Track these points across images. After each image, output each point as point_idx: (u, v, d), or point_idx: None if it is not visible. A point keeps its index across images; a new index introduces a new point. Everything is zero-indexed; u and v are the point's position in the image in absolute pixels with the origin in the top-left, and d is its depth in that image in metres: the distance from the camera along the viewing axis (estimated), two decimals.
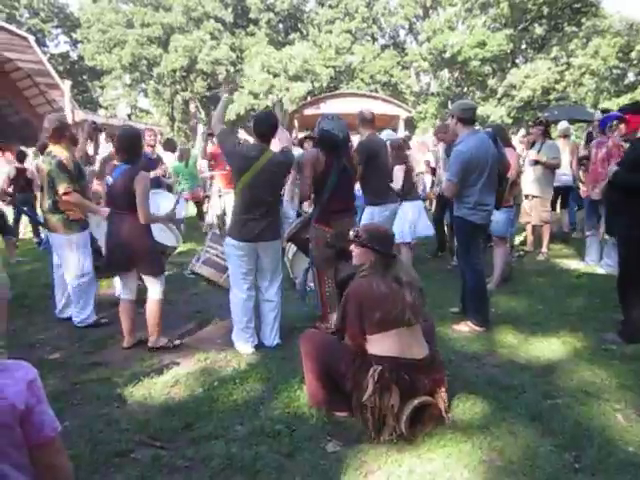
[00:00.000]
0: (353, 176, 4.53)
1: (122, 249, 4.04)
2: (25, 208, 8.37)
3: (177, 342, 4.24)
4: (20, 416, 1.45)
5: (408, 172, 6.17)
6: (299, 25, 39.09)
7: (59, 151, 4.54)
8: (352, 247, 3.09)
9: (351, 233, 3.08)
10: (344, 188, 4.37)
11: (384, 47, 39.55)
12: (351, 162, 4.44)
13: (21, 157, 9.09)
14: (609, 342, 4.12)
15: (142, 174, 4.02)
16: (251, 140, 7.73)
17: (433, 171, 9.92)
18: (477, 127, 4.78)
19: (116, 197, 4.09)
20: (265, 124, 4.06)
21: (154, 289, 4.14)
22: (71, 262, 4.65)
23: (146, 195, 4.00)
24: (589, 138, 7.94)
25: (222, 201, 8.10)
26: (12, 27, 18.95)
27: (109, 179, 4.08)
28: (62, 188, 4.43)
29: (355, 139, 5.41)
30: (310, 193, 4.34)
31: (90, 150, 6.01)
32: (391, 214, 5.23)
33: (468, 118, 4.43)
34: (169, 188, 7.53)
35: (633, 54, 27.06)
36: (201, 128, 9.43)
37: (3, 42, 17.07)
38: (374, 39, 40.41)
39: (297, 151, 8.46)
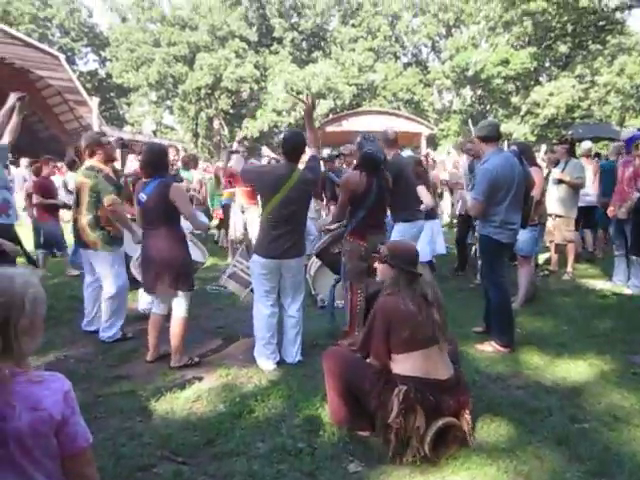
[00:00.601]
0: (388, 195, 4.56)
1: (161, 265, 3.99)
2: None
3: (196, 359, 4.23)
4: (56, 427, 1.50)
5: (427, 190, 6.16)
6: (322, 44, 39.53)
7: (102, 165, 4.59)
8: (375, 264, 3.11)
9: (378, 249, 3.13)
10: (380, 206, 4.45)
11: (406, 65, 39.76)
12: (387, 181, 4.48)
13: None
14: (637, 364, 4.02)
15: (176, 185, 4.07)
16: (272, 156, 7.82)
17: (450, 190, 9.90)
18: (502, 145, 4.75)
19: (151, 213, 4.03)
20: (293, 143, 4.10)
21: (180, 306, 4.11)
22: (110, 279, 4.65)
23: (188, 202, 4.03)
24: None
25: (244, 217, 8.12)
26: (44, 46, 19.58)
27: (142, 196, 4.06)
28: (108, 200, 4.42)
29: None
30: (343, 214, 4.41)
31: (118, 165, 6.13)
32: (418, 231, 5.25)
33: (491, 136, 4.41)
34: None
35: None
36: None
37: (35, 60, 17.62)
38: (396, 57, 40.66)
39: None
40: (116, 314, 4.70)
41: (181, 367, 4.09)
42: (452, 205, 9.40)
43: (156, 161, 4.08)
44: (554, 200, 7.06)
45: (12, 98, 4.30)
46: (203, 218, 6.47)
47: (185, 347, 4.20)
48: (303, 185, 4.03)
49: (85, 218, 4.59)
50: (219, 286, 4.82)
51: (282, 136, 4.28)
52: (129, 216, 4.75)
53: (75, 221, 4.72)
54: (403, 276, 2.91)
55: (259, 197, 4.12)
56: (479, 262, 6.11)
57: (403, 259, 2.97)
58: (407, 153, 7.54)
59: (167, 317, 4.30)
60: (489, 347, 4.42)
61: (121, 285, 4.71)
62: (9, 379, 1.45)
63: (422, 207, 5.50)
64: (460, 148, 7.39)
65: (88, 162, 4.65)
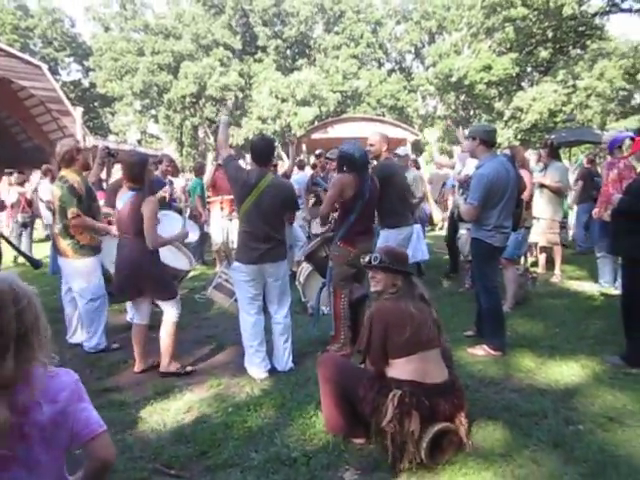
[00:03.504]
0: (376, 202, 4.55)
1: (131, 275, 4.03)
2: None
3: (189, 369, 4.18)
4: (71, 416, 1.60)
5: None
6: (306, 51, 39.71)
7: (71, 176, 4.56)
8: (371, 273, 3.05)
9: (367, 258, 3.04)
10: (369, 211, 4.47)
11: (390, 72, 40.07)
12: (376, 186, 4.48)
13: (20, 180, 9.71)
14: (615, 365, 4.07)
15: (149, 199, 4.03)
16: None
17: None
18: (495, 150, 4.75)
19: (124, 223, 4.08)
20: (261, 147, 4.10)
21: (169, 313, 4.13)
22: (81, 287, 4.63)
23: (153, 219, 3.99)
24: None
25: (226, 226, 8.01)
26: (26, 56, 19.37)
27: (119, 204, 4.07)
28: (71, 212, 4.44)
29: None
30: (330, 213, 4.40)
31: (103, 175, 6.06)
32: (406, 237, 5.20)
33: (489, 140, 4.43)
34: (179, 212, 7.53)
35: (639, 76, 27.16)
36: (210, 156, 9.35)
37: (18, 70, 17.42)
38: (380, 64, 40.97)
39: (301, 174, 8.53)
40: (95, 323, 4.66)
41: (171, 376, 4.04)
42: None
43: (133, 172, 4.08)
44: (538, 203, 7.10)
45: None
46: (193, 234, 6.43)
47: (175, 356, 4.15)
48: (274, 189, 4.00)
49: (56, 227, 4.67)
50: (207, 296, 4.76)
51: (250, 142, 4.27)
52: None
53: (52, 230, 4.87)
54: (402, 279, 2.90)
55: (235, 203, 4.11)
56: (468, 266, 6.14)
57: (402, 262, 2.99)
58: (402, 149, 7.37)
59: (154, 328, 4.26)
60: (481, 351, 4.42)
61: (93, 293, 4.64)
62: (34, 376, 1.55)
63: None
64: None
65: (62, 172, 4.65)
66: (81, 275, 4.62)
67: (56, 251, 4.87)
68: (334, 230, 4.59)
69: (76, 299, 4.74)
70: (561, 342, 4.66)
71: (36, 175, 12.00)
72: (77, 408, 1.62)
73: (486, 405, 3.41)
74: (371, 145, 5.02)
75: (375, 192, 4.49)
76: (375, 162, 5.10)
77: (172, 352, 4.12)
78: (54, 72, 33.15)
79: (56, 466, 1.64)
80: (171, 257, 4.45)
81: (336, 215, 4.58)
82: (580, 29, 28.20)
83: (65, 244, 4.59)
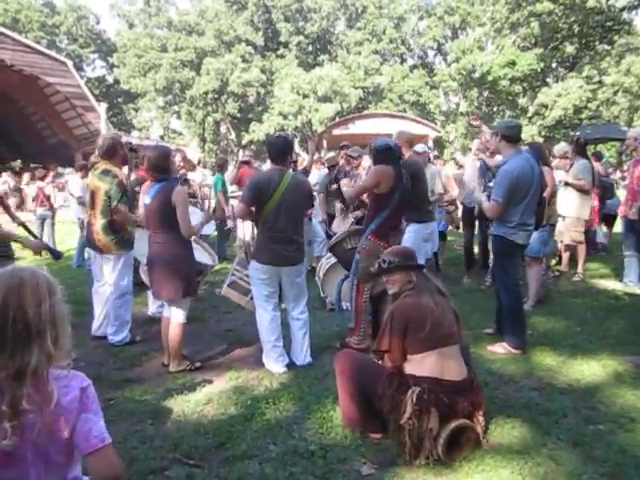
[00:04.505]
0: (409, 196, 4.54)
1: (164, 271, 3.97)
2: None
3: (198, 364, 4.16)
4: (71, 424, 1.53)
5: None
6: (328, 47, 39.65)
7: (118, 170, 4.58)
8: (386, 277, 3.07)
9: (376, 265, 3.11)
10: (403, 206, 4.43)
11: (413, 67, 39.80)
12: (408, 182, 4.47)
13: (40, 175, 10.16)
14: (636, 365, 4.00)
15: (179, 188, 4.00)
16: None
17: None
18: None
19: (155, 216, 4.01)
20: (279, 146, 4.08)
21: (178, 312, 4.05)
22: (118, 281, 4.66)
23: (187, 207, 3.96)
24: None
25: (248, 224, 8.03)
26: (52, 53, 19.72)
27: (146, 199, 4.06)
28: (120, 207, 4.45)
29: None
30: (357, 198, 4.39)
31: (125, 170, 6.14)
32: (431, 232, 5.24)
33: (513, 135, 4.37)
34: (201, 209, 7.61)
35: None
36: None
37: (44, 67, 17.75)
38: (403, 60, 40.72)
39: (322, 171, 8.50)
40: (122, 317, 4.71)
41: (192, 370, 4.07)
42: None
43: (160, 164, 4.01)
44: (563, 201, 7.00)
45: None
46: (208, 227, 6.48)
47: (195, 349, 4.19)
48: (295, 189, 3.98)
49: (99, 222, 4.59)
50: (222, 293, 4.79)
51: (267, 142, 4.26)
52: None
53: (89, 224, 4.73)
54: (417, 274, 2.91)
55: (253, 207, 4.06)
56: (490, 263, 6.09)
57: (410, 258, 3.01)
58: (420, 145, 7.26)
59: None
60: (501, 349, 4.38)
61: (125, 287, 4.70)
62: (45, 375, 1.53)
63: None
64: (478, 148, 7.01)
65: (103, 165, 4.62)
66: (120, 269, 4.65)
67: (93, 247, 4.78)
68: (364, 223, 4.55)
69: (106, 293, 4.75)
70: (582, 341, 4.60)
71: (61, 171, 12.30)
72: (79, 418, 1.54)
73: (505, 403, 3.38)
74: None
75: (409, 188, 4.46)
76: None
77: (180, 352, 4.10)
78: (79, 68, 33.71)
79: (54, 471, 1.55)
80: (197, 254, 4.47)
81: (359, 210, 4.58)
82: (607, 24, 27.65)
83: (109, 240, 4.57)
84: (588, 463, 2.73)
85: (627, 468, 2.67)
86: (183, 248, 4.02)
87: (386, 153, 4.30)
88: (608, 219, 9.46)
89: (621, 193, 10.35)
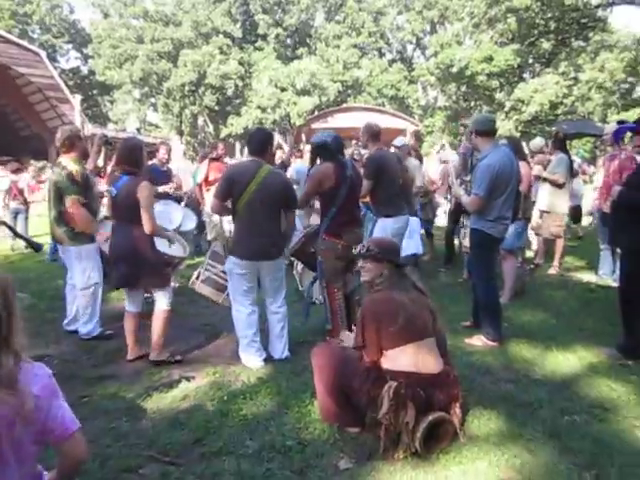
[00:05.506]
0: (359, 189, 4.52)
1: (126, 261, 4.01)
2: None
3: (178, 357, 4.15)
4: (44, 411, 1.57)
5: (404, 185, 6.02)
6: (307, 40, 39.41)
7: (69, 163, 4.52)
8: (361, 263, 3.06)
9: (358, 248, 3.07)
10: (352, 201, 4.36)
11: (391, 62, 39.81)
12: (357, 174, 4.44)
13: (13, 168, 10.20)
14: (610, 356, 4.08)
15: (145, 183, 3.99)
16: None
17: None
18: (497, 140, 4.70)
19: (119, 208, 4.06)
20: (258, 138, 4.05)
21: (161, 301, 4.11)
22: (77, 273, 4.62)
23: (150, 204, 3.96)
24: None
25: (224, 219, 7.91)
26: (24, 42, 19.26)
27: (113, 190, 4.04)
28: (69, 200, 4.40)
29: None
30: (306, 203, 4.43)
31: (100, 163, 6.01)
32: (403, 226, 5.18)
33: (488, 130, 4.38)
34: (178, 201, 7.47)
35: None
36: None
37: (15, 57, 17.33)
38: (381, 54, 40.69)
39: (300, 163, 8.44)
40: (89, 309, 4.64)
41: (167, 365, 4.03)
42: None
43: (130, 156, 4.07)
44: (541, 195, 7.08)
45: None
46: (190, 223, 6.41)
47: (171, 344, 4.14)
48: (271, 182, 3.92)
49: (51, 214, 4.61)
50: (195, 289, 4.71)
51: (248, 134, 4.24)
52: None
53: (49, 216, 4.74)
54: (394, 269, 2.90)
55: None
56: (466, 257, 6.13)
57: (391, 252, 2.98)
58: (399, 139, 7.21)
59: (148, 316, 4.24)
60: (478, 341, 4.42)
61: (89, 280, 4.62)
62: (15, 369, 1.55)
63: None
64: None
65: (60, 158, 4.61)
66: (79, 261, 4.60)
67: (53, 238, 4.85)
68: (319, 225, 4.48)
69: (75, 285, 4.71)
70: (558, 333, 4.66)
71: (34, 163, 12.07)
72: (52, 405, 1.58)
73: (482, 395, 3.40)
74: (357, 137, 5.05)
75: (358, 179, 4.43)
76: (363, 152, 5.09)
77: (163, 341, 4.10)
78: (53, 59, 32.99)
79: (26, 461, 1.58)
80: (165, 244, 4.40)
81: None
82: (583, 21, 27.96)
83: (60, 231, 4.56)
84: (563, 454, 2.76)
85: (601, 458, 2.70)
86: (144, 240, 4.01)
87: (323, 149, 4.25)
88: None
89: (589, 188, 10.54)
